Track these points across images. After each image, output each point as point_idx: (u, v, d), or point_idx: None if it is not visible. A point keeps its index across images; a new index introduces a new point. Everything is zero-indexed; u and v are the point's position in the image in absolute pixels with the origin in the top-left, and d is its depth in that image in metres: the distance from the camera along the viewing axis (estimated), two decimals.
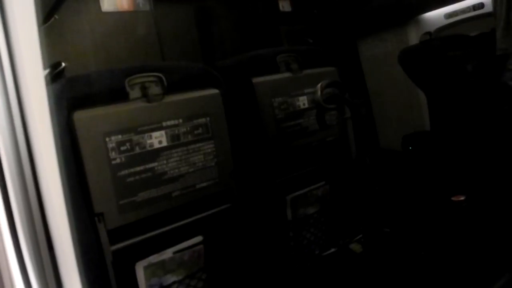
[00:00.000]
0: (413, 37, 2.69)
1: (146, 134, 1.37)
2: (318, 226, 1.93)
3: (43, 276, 0.76)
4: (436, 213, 2.03)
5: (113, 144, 1.30)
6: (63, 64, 1.66)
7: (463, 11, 2.66)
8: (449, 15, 2.73)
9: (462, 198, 2.04)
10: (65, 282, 0.77)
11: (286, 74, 1.82)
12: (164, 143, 1.41)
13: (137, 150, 1.35)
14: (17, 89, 0.74)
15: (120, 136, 1.32)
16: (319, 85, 1.73)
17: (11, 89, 0.73)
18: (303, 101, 1.84)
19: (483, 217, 1.88)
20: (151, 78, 1.41)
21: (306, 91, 1.85)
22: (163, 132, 1.41)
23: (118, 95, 1.35)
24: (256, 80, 1.72)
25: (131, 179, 1.34)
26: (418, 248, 1.89)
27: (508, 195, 1.89)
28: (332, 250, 1.98)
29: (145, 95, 1.39)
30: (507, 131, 1.95)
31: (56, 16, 1.73)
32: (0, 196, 0.73)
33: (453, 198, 2.06)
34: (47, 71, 1.59)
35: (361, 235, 2.06)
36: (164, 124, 1.41)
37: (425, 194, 2.14)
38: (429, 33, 2.38)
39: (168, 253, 1.42)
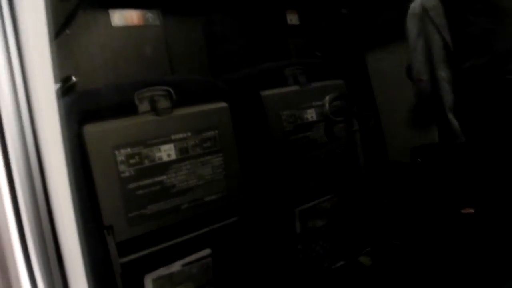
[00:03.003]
0: None
1: (155, 147, 1.38)
2: (327, 239, 1.92)
3: None
4: (445, 226, 2.01)
5: (122, 157, 1.31)
6: (74, 79, 1.67)
7: None
8: None
9: (472, 210, 2.02)
10: None
11: (294, 87, 1.83)
12: (173, 156, 1.42)
13: (146, 163, 1.36)
14: (29, 102, 0.75)
15: (129, 149, 1.33)
16: (327, 98, 1.74)
17: (22, 103, 0.74)
18: (311, 114, 1.85)
19: (492, 230, 1.86)
20: (160, 92, 1.42)
21: (314, 103, 1.85)
22: (172, 145, 1.42)
23: (127, 108, 1.37)
24: (264, 93, 1.73)
25: (140, 192, 1.35)
26: (428, 260, 1.87)
27: None
28: (341, 263, 1.97)
29: (154, 109, 1.40)
30: None
31: (68, 31, 1.75)
32: (11, 208, 0.74)
33: (462, 211, 2.04)
34: (58, 85, 1.61)
35: (370, 248, 2.05)
36: (173, 137, 1.42)
37: (434, 206, 2.12)
38: None
39: (176, 266, 1.42)
